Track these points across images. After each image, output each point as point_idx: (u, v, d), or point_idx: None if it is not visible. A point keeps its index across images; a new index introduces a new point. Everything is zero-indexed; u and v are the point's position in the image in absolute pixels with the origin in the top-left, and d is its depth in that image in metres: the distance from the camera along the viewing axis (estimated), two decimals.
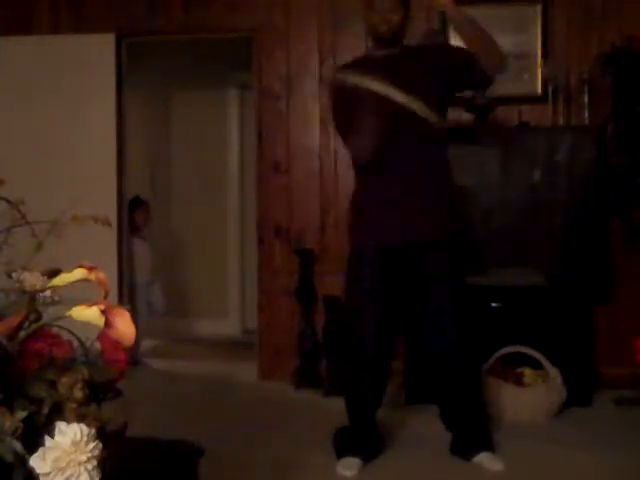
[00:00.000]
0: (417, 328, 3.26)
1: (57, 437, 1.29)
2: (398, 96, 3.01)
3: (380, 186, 3.11)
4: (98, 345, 1.52)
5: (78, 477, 1.28)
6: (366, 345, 3.13)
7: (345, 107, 3.13)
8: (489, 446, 3.14)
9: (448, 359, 3.14)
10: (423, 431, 3.46)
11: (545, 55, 4.34)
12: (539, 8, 4.36)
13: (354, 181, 3.29)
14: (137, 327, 1.43)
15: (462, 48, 3.11)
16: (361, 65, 3.21)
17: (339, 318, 4.31)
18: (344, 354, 3.35)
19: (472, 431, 3.17)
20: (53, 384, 1.40)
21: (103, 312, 1.36)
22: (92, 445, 1.30)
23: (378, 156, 3.00)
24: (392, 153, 3.02)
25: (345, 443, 3.15)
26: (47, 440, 1.28)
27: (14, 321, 1.43)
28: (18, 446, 1.29)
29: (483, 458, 3.07)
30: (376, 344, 3.12)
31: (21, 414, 1.32)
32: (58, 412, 1.37)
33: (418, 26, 4.10)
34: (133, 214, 5.19)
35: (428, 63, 3.10)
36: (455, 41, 4.34)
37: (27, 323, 1.46)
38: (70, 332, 1.50)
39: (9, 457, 1.29)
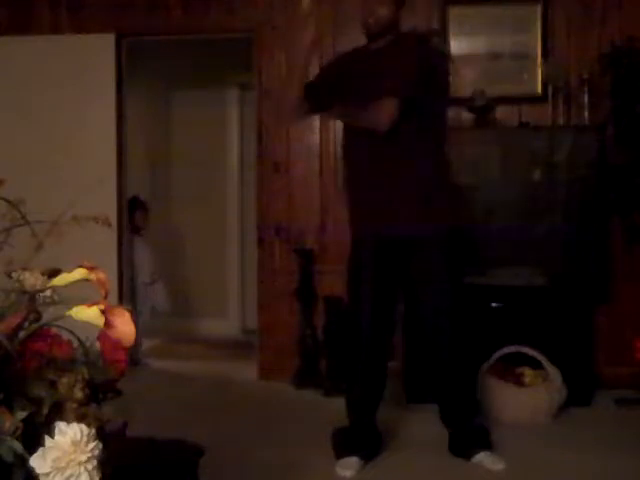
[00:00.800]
0: (414, 325, 3.27)
1: (57, 437, 1.29)
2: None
3: (375, 174, 3.10)
4: (98, 345, 1.52)
5: (78, 477, 1.28)
6: (363, 341, 3.14)
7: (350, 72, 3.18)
8: (488, 445, 3.14)
9: (444, 356, 3.15)
10: (423, 431, 3.46)
11: (545, 55, 4.34)
12: (539, 8, 4.36)
13: (343, 166, 3.30)
14: (137, 327, 1.43)
15: (446, 83, 3.15)
16: (353, 56, 3.28)
17: (339, 318, 4.31)
18: (346, 352, 3.35)
19: (470, 430, 3.17)
20: (53, 384, 1.40)
21: (103, 312, 1.36)
22: (92, 445, 1.30)
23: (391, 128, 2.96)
24: (391, 142, 3.01)
25: (344, 443, 3.15)
26: (47, 440, 1.28)
27: (14, 321, 1.43)
28: (18, 446, 1.29)
29: (483, 457, 3.07)
30: (372, 340, 3.14)
31: (21, 414, 1.32)
32: (58, 412, 1.37)
33: (407, 25, 4.10)
34: (132, 214, 5.19)
35: (393, 69, 3.05)
36: (454, 41, 4.37)
37: (27, 323, 1.46)
38: (70, 332, 1.50)
39: (9, 457, 1.29)
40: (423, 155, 3.08)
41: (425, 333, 3.21)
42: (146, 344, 5.43)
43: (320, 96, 3.28)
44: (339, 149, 3.42)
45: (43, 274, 1.54)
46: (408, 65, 2.99)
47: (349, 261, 3.25)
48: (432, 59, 3.21)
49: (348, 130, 3.22)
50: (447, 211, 3.13)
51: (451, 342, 3.14)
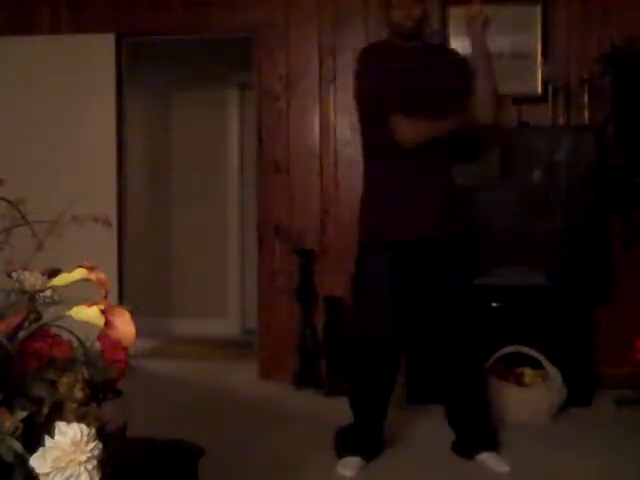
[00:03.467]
0: (429, 326, 3.24)
1: (57, 437, 1.29)
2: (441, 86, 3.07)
3: (403, 177, 3.09)
4: (98, 345, 1.52)
5: (78, 477, 1.28)
6: (380, 344, 3.09)
7: (391, 79, 3.04)
8: (493, 445, 3.13)
9: (460, 357, 3.13)
10: (424, 430, 3.46)
11: (545, 55, 4.34)
12: (539, 8, 4.36)
13: (368, 169, 3.23)
14: None
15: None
16: (394, 51, 3.13)
17: (339, 318, 4.31)
18: (352, 353, 3.31)
19: (478, 430, 3.17)
20: (53, 384, 1.40)
21: (103, 312, 1.36)
22: (92, 445, 1.30)
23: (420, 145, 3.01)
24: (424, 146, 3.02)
25: (346, 442, 3.14)
26: (47, 440, 1.28)
27: (14, 321, 1.43)
28: (18, 446, 1.29)
29: (488, 458, 3.06)
30: (390, 342, 3.10)
31: (21, 414, 1.32)
32: (58, 412, 1.37)
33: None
34: None
35: (456, 64, 3.15)
36: (455, 43, 4.37)
37: (27, 323, 1.46)
38: (70, 332, 1.50)
39: (9, 457, 1.29)
40: (446, 158, 3.15)
41: (442, 334, 3.16)
42: (146, 344, 5.43)
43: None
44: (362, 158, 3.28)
45: (43, 274, 1.54)
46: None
47: (361, 269, 3.19)
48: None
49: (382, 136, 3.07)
50: (461, 210, 3.22)
51: (470, 343, 3.12)
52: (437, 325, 3.16)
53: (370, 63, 3.12)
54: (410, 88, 3.04)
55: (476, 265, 3.92)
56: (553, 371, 3.69)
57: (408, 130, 3.00)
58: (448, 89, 3.09)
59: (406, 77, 3.04)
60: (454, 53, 3.35)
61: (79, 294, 1.43)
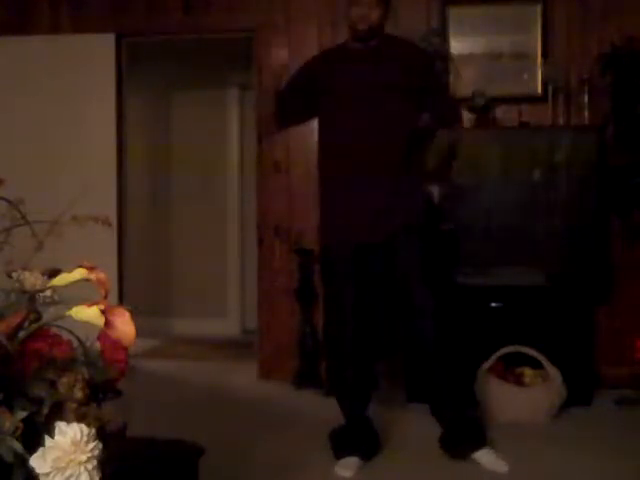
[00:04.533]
0: (398, 322, 3.28)
1: (57, 437, 1.29)
2: (373, 90, 3.09)
3: (347, 181, 3.13)
4: (98, 345, 1.52)
5: (78, 477, 1.28)
6: (345, 343, 3.16)
7: (321, 81, 3.19)
8: (483, 441, 3.11)
9: (428, 351, 3.15)
10: (423, 430, 3.46)
11: (545, 55, 4.34)
12: (539, 8, 4.36)
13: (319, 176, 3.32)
14: None
15: (442, 80, 3.17)
16: (339, 55, 3.26)
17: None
18: (325, 353, 3.40)
19: (463, 424, 3.16)
20: (53, 384, 1.40)
21: (103, 312, 1.36)
22: (92, 445, 1.30)
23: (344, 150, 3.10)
24: (360, 149, 3.08)
25: (342, 443, 3.15)
26: (47, 440, 1.28)
27: (14, 321, 1.43)
28: (18, 446, 1.29)
29: (482, 455, 3.05)
30: (354, 341, 3.15)
31: (21, 414, 1.32)
32: (58, 412, 1.37)
33: (407, 25, 4.11)
34: None
35: (408, 64, 3.15)
36: (454, 41, 4.37)
37: (27, 323, 1.46)
38: (70, 332, 1.50)
39: (9, 457, 1.29)
40: (394, 153, 3.16)
41: (406, 328, 3.21)
42: (146, 344, 5.43)
43: (293, 102, 3.34)
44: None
45: (43, 274, 1.54)
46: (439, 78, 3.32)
47: (326, 269, 3.28)
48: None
49: (337, 131, 3.18)
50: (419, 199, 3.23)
51: (434, 337, 3.14)
52: (403, 318, 3.19)
53: (305, 65, 3.36)
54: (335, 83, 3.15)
55: (475, 265, 3.94)
56: (553, 371, 3.69)
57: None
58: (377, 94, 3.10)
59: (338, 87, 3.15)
60: (414, 52, 3.30)
61: (79, 294, 1.43)
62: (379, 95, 3.09)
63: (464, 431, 3.15)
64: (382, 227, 3.11)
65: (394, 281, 3.15)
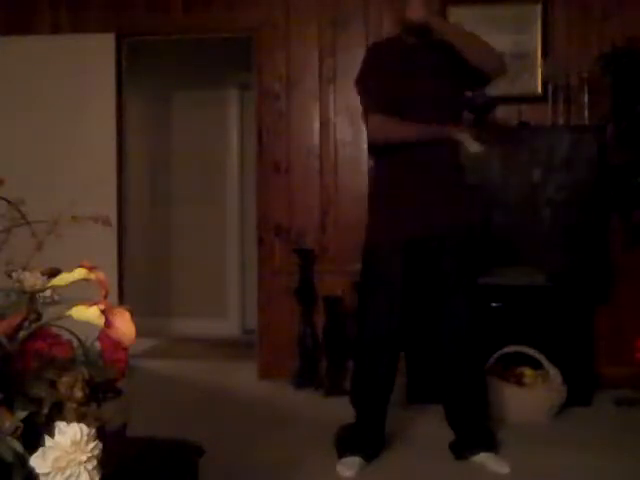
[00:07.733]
0: (431, 325, 3.24)
1: (57, 437, 1.29)
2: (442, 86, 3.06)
3: (408, 176, 3.08)
4: (98, 345, 1.52)
5: (78, 477, 1.28)
6: (388, 334, 3.09)
7: (392, 80, 3.06)
8: (491, 447, 3.13)
9: (458, 358, 3.12)
10: (425, 430, 3.46)
11: (545, 55, 4.34)
12: (539, 8, 4.36)
13: (373, 168, 3.28)
14: None
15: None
16: (397, 49, 3.16)
17: (339, 318, 4.31)
18: (356, 353, 3.31)
19: (477, 431, 3.16)
20: (53, 384, 1.40)
21: (103, 312, 1.36)
22: (92, 445, 1.30)
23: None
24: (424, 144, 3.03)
25: (347, 442, 3.13)
26: (47, 440, 1.28)
27: (14, 321, 1.43)
28: (18, 446, 1.29)
29: (485, 458, 3.05)
30: (394, 342, 3.12)
31: (21, 414, 1.32)
32: (58, 412, 1.37)
33: None
34: None
35: (452, 56, 3.08)
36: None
37: (27, 323, 1.46)
38: (70, 332, 1.50)
39: (9, 457, 1.28)
40: (452, 155, 3.18)
41: (443, 333, 3.15)
42: (146, 344, 5.43)
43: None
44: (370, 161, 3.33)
45: (43, 274, 1.54)
46: None
47: (369, 269, 3.18)
48: None
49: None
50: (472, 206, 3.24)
51: (470, 343, 3.12)
52: (439, 324, 3.16)
53: (370, 63, 3.15)
54: (403, 89, 3.04)
55: (480, 264, 3.93)
56: (553, 371, 3.69)
57: (377, 128, 3.05)
58: (443, 93, 3.07)
59: (402, 79, 3.05)
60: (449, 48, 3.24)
61: (79, 294, 1.43)
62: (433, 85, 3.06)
63: (477, 439, 3.14)
64: (445, 222, 3.08)
65: (437, 281, 3.12)
